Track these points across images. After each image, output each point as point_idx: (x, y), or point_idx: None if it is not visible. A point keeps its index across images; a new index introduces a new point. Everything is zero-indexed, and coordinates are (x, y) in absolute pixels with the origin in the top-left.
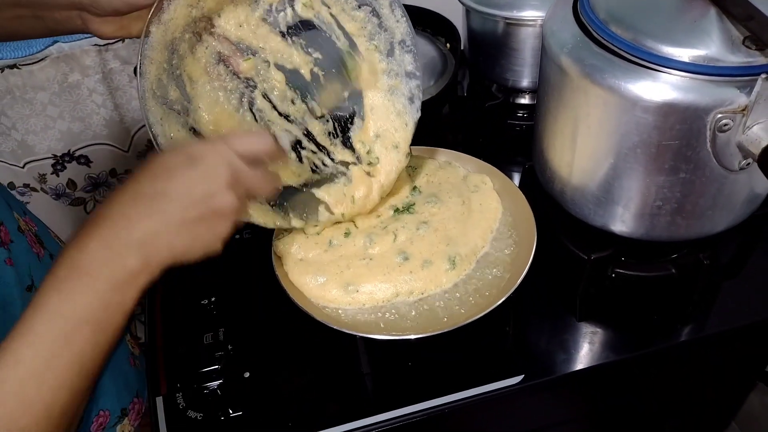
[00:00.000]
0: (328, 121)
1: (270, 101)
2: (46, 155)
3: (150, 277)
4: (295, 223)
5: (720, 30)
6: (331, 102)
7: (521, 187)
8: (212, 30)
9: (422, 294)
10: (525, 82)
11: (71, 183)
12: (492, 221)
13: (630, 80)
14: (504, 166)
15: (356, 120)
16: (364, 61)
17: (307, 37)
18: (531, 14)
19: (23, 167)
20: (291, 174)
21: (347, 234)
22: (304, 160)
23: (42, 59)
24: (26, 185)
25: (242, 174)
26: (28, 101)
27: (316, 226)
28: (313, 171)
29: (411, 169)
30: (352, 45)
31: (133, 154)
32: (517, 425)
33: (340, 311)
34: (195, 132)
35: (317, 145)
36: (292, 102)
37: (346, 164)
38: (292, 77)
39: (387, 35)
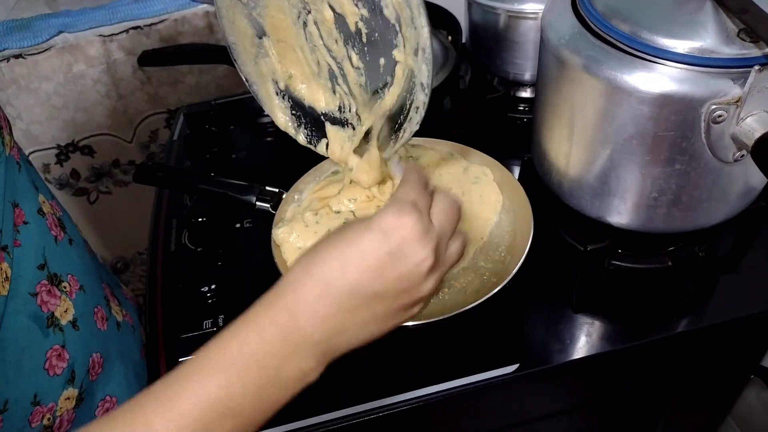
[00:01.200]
0: (362, 75)
1: (318, 30)
2: (50, 145)
3: (317, 376)
4: (300, 140)
5: (715, 22)
6: (366, 62)
7: (520, 179)
8: None
9: None
10: (526, 76)
11: (75, 173)
12: (491, 213)
13: (626, 71)
14: (504, 159)
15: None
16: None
17: None
18: (532, 7)
19: (27, 157)
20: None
21: (346, 224)
22: (337, 93)
23: (47, 49)
24: None
25: (445, 259)
26: (33, 91)
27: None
28: (339, 111)
29: (412, 160)
30: (397, 18)
31: (137, 144)
32: (512, 415)
33: None
34: (256, 25)
35: (349, 89)
36: (335, 42)
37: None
38: (339, 21)
39: (415, 33)
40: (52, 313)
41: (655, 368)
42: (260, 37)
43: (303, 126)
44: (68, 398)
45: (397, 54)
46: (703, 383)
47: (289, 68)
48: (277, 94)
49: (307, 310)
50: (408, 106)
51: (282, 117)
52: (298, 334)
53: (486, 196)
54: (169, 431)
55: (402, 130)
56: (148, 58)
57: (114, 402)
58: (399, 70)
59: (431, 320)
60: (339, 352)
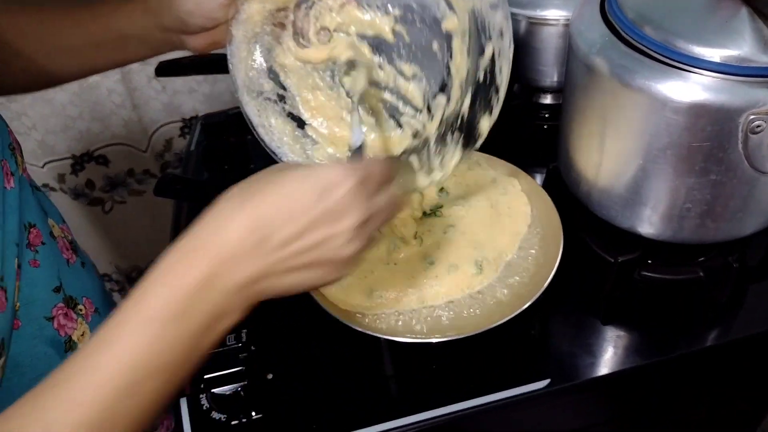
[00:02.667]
0: (421, 80)
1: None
2: (65, 155)
3: (239, 319)
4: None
5: (752, 30)
6: (419, 60)
7: (545, 187)
8: (292, 18)
9: (447, 298)
10: (548, 82)
11: (90, 183)
12: (520, 225)
13: (660, 81)
14: (526, 166)
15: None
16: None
17: None
18: (554, 13)
19: (43, 167)
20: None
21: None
22: (404, 126)
23: None
24: (45, 185)
25: (373, 217)
26: (48, 101)
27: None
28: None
29: None
30: None
31: (151, 154)
32: (541, 430)
33: (363, 315)
34: (292, 116)
35: (416, 108)
36: (380, 67)
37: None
38: (376, 43)
39: None
40: (70, 336)
41: (686, 381)
42: (302, 127)
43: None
44: None
45: (448, 23)
46: (734, 396)
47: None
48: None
49: (229, 254)
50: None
51: None
52: (220, 280)
53: (515, 208)
54: (96, 402)
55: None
56: (164, 69)
57: None
58: (456, 42)
59: (459, 336)
60: (261, 297)
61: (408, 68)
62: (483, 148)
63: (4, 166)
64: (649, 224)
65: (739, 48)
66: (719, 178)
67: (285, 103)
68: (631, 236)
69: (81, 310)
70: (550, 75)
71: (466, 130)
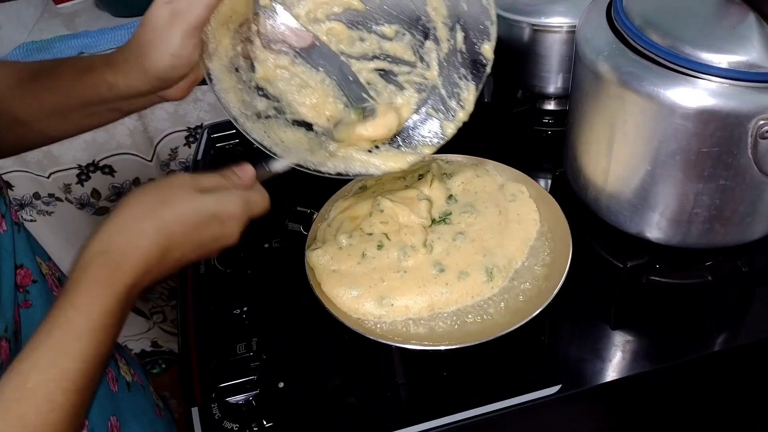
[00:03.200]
0: (404, 35)
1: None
2: (71, 165)
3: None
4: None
5: (760, 35)
6: (397, 14)
7: (552, 193)
8: (256, 28)
9: (458, 306)
10: (551, 88)
11: (95, 193)
12: (530, 232)
13: (668, 87)
14: (531, 172)
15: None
16: None
17: None
18: (558, 20)
19: (48, 177)
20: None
21: (380, 246)
22: (406, 84)
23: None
24: (51, 195)
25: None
26: None
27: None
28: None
29: (446, 177)
30: None
31: (157, 163)
32: None
33: (374, 323)
34: (298, 123)
35: (410, 64)
36: (361, 40)
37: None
38: (348, 17)
39: None
40: None
41: (695, 385)
42: (311, 128)
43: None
44: None
45: None
46: (744, 400)
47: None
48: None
49: (143, 270)
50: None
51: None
52: (135, 289)
53: (524, 215)
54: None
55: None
56: None
57: None
58: None
59: (470, 344)
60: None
61: (388, 29)
62: (491, 155)
63: None
64: (657, 229)
65: (747, 54)
66: (728, 183)
67: (285, 113)
68: (640, 241)
69: None
70: (554, 81)
71: (471, 63)
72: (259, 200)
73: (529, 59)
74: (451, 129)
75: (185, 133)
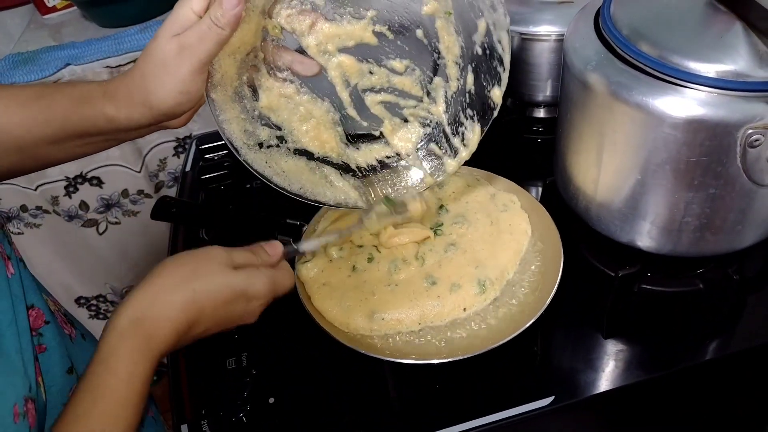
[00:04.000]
0: (414, 70)
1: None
2: (58, 177)
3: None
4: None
5: (747, 44)
6: (407, 52)
7: (542, 202)
8: (263, 56)
9: (450, 318)
10: (541, 96)
11: (84, 204)
12: (521, 242)
13: (657, 97)
14: (522, 180)
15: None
16: None
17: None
18: (546, 29)
19: (36, 190)
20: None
21: (370, 259)
22: (410, 118)
23: (54, 82)
24: (38, 207)
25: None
26: None
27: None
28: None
29: (437, 186)
30: None
31: (145, 174)
32: None
33: (365, 337)
34: (299, 152)
35: (417, 98)
36: (371, 73)
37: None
38: (359, 51)
39: None
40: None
41: (689, 393)
42: (312, 158)
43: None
44: None
45: (427, 8)
46: (738, 407)
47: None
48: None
49: (173, 340)
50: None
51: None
52: (160, 352)
53: (516, 225)
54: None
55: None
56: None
57: None
58: (438, 23)
59: (467, 356)
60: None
61: (399, 64)
62: (481, 165)
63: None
64: (648, 238)
65: (735, 63)
66: (718, 192)
67: (287, 142)
68: (631, 250)
69: None
70: (543, 89)
71: (479, 105)
72: (286, 280)
73: (518, 68)
74: (452, 167)
75: (174, 144)
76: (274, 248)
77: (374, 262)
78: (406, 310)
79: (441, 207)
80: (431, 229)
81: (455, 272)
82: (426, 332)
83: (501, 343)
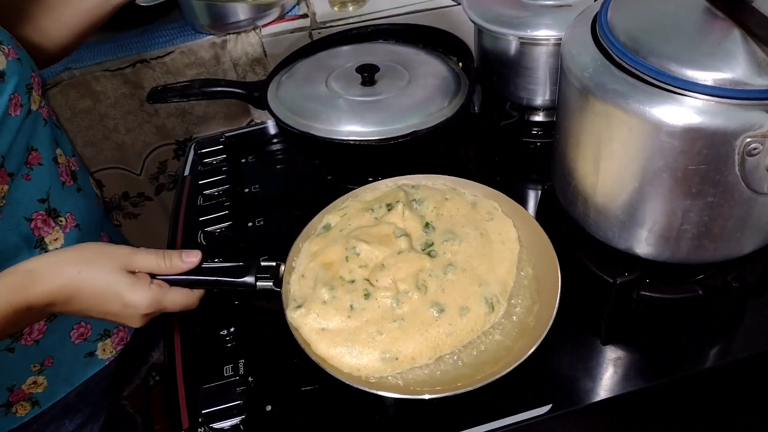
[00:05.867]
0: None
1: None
2: None
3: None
4: None
5: (745, 52)
6: None
7: (539, 207)
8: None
9: (462, 342)
10: (539, 100)
11: None
12: (514, 251)
13: (654, 105)
14: (521, 184)
15: None
16: None
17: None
18: (545, 33)
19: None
20: None
21: (367, 295)
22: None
23: (54, 85)
24: None
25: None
26: None
27: None
28: None
29: (416, 203)
30: None
31: (146, 177)
32: None
33: (382, 378)
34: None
35: None
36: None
37: None
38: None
39: None
40: (42, 238)
41: (689, 400)
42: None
43: None
44: None
45: None
46: (738, 415)
47: None
48: None
49: (38, 288)
50: None
51: None
52: (27, 298)
53: (505, 234)
54: None
55: None
56: (156, 95)
57: (89, 328)
58: None
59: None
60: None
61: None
62: (471, 165)
63: (15, 99)
64: (646, 245)
65: (733, 71)
66: (716, 200)
67: None
68: (629, 257)
69: (61, 221)
70: (542, 93)
71: None
72: (177, 298)
73: (516, 72)
74: None
75: (174, 146)
76: (190, 256)
77: (371, 297)
78: (418, 345)
79: (426, 225)
80: (423, 251)
81: (461, 294)
82: (440, 362)
83: (513, 367)
